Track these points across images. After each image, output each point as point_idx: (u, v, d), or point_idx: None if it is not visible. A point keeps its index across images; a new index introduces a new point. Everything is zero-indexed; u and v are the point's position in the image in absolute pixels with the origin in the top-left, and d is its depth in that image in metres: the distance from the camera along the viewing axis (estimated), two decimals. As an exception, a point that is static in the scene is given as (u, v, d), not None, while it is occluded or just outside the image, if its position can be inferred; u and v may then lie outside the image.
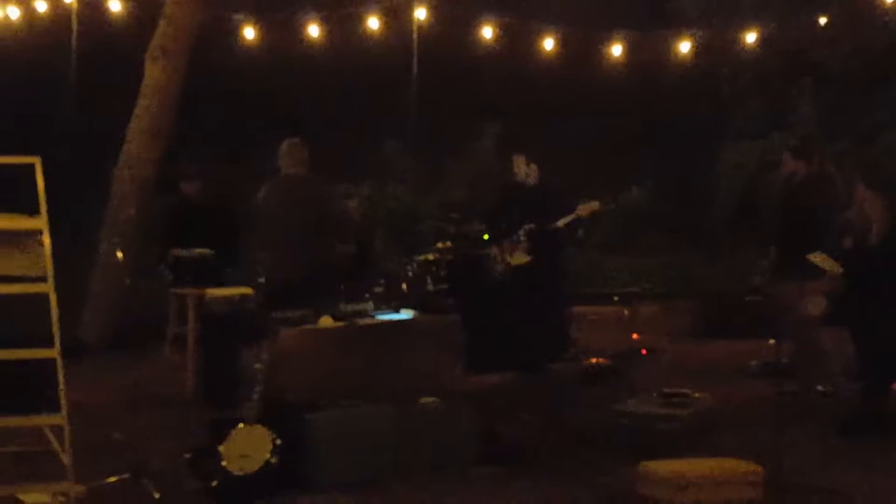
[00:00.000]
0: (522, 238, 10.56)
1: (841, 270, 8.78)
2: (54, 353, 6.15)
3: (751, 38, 16.70)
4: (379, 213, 16.95)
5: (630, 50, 16.47)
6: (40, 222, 6.19)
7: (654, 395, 8.60)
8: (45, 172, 6.23)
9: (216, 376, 9.17)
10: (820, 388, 9.64)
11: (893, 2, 16.60)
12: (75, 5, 16.55)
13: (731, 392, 9.89)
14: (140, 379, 10.38)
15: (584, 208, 10.51)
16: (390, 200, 18.46)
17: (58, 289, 6.20)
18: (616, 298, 13.48)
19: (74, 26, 16.90)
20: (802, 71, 18.12)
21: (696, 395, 8.62)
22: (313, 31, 16.28)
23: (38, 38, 16.57)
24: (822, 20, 16.29)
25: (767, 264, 10.19)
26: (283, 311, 8.07)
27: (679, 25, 17.11)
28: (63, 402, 6.15)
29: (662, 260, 17.98)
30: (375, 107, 19.62)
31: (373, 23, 15.98)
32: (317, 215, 9.13)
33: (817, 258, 8.81)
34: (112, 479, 7.04)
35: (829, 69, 17.95)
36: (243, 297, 8.76)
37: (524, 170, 10.77)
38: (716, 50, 17.59)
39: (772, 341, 10.24)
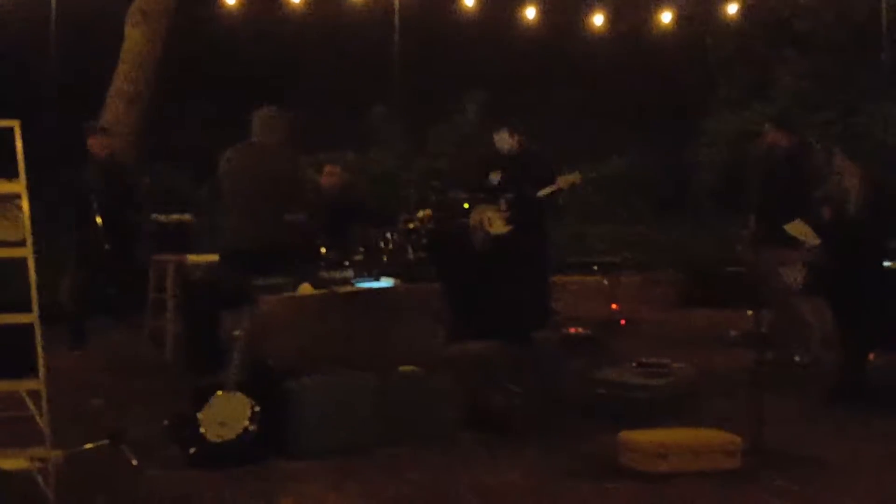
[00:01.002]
0: (503, 207, 10.54)
1: (818, 240, 8.80)
2: (32, 317, 6.12)
3: (733, 8, 16.67)
4: (360, 179, 16.92)
5: (612, 19, 16.44)
6: (19, 186, 6.15)
7: (633, 364, 8.61)
8: (29, 137, 6.19)
9: (196, 343, 9.16)
10: (797, 358, 9.69)
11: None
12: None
13: (710, 362, 9.93)
14: (120, 345, 10.36)
15: (565, 180, 10.49)
16: (373, 166, 18.41)
17: (40, 254, 6.16)
18: (596, 268, 13.50)
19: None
20: (785, 41, 18.12)
21: (675, 364, 8.64)
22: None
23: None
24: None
25: (747, 234, 10.23)
26: (256, 279, 8.04)
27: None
28: (41, 367, 6.12)
29: (644, 229, 18.02)
30: (358, 73, 19.57)
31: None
32: (276, 185, 8.99)
33: (794, 228, 8.84)
34: (90, 445, 7.02)
35: (811, 39, 17.95)
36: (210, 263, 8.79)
37: (507, 140, 10.74)
38: (698, 19, 17.58)
39: (749, 312, 10.28)
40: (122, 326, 11.11)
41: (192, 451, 6.87)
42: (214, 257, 9.08)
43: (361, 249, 9.31)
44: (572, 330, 11.05)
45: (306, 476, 6.70)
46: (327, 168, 11.25)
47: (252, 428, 6.93)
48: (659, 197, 19.42)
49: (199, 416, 6.89)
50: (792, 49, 18.13)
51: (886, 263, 8.76)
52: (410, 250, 9.79)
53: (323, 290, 8.49)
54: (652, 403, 7.95)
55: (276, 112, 9.02)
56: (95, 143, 10.68)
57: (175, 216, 10.42)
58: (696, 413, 7.93)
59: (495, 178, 10.66)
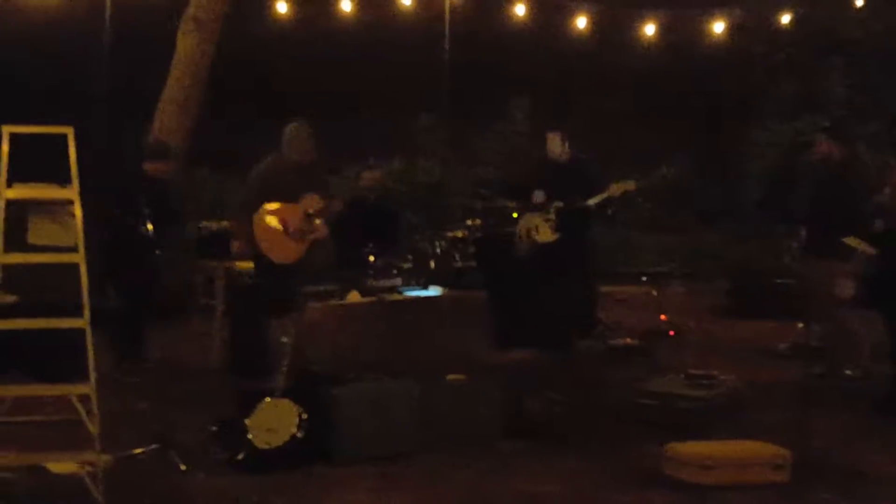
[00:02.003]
0: (551, 216, 10.52)
1: (873, 252, 8.74)
2: (83, 322, 6.17)
3: (784, 19, 16.58)
4: (408, 188, 16.95)
5: (663, 29, 16.38)
6: (71, 192, 6.21)
7: (681, 375, 8.57)
8: (80, 141, 6.25)
9: (243, 348, 9.21)
10: (848, 371, 9.61)
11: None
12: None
13: (758, 374, 9.86)
14: (168, 349, 10.43)
15: (617, 187, 10.45)
16: (420, 174, 18.42)
17: (89, 259, 6.22)
18: (644, 279, 13.45)
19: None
20: (834, 51, 18.01)
21: (723, 376, 8.59)
22: (345, 5, 16.27)
23: (73, 6, 16.59)
24: (858, 2, 16.14)
25: (797, 246, 10.16)
26: (303, 286, 8.10)
27: (712, 5, 17.00)
28: (92, 371, 6.17)
29: (692, 239, 17.93)
30: (407, 81, 19.59)
31: (405, -1, 15.97)
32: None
33: (853, 241, 8.78)
34: (139, 450, 7.08)
35: (861, 49, 17.83)
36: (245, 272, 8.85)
37: (558, 147, 10.72)
38: (749, 30, 17.49)
39: (799, 325, 10.22)
40: (170, 331, 11.18)
41: (239, 456, 6.91)
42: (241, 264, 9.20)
43: (409, 257, 9.33)
44: (620, 340, 11.01)
45: (350, 482, 6.72)
46: (366, 175, 11.20)
47: (300, 435, 6.96)
48: (707, 207, 19.32)
49: (247, 422, 6.93)
50: (841, 59, 18.01)
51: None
52: (458, 258, 9.80)
53: (370, 298, 8.51)
54: (699, 415, 7.91)
55: (302, 126, 9.08)
56: (155, 168, 10.23)
57: (223, 222, 10.46)
58: (743, 425, 7.88)
59: (539, 197, 10.63)
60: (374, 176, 11.05)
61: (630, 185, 10.51)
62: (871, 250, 8.76)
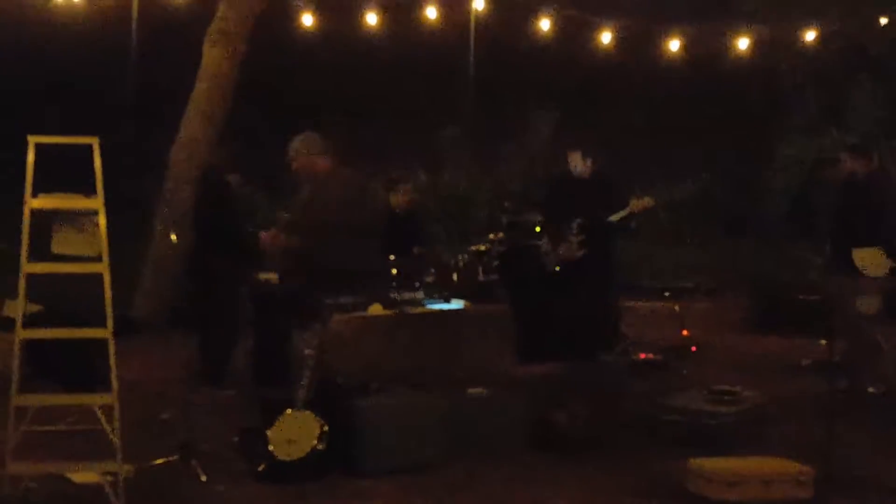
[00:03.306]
0: (575, 231, 10.51)
1: (885, 271, 8.69)
2: (107, 332, 6.20)
3: (810, 35, 16.53)
4: (433, 200, 16.95)
5: (688, 44, 16.36)
6: (97, 203, 6.24)
7: (704, 391, 8.54)
8: (105, 152, 6.28)
9: (267, 358, 9.21)
10: (871, 388, 9.56)
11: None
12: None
13: (782, 389, 9.82)
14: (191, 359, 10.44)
15: (637, 204, 10.43)
16: (445, 187, 18.44)
17: (112, 268, 6.24)
18: (667, 294, 13.42)
19: (135, 6, 17.00)
20: (861, 67, 17.94)
21: (746, 392, 8.56)
22: (371, 18, 16.30)
23: (100, 17, 16.68)
24: (883, 20, 16.06)
25: (822, 261, 10.12)
26: (327, 297, 8.09)
27: (738, 20, 16.97)
28: (114, 382, 6.19)
29: (716, 253, 17.88)
30: (432, 94, 19.63)
31: (431, 12, 15.95)
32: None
33: (861, 257, 8.73)
34: (160, 460, 7.09)
35: (888, 65, 17.75)
36: (268, 281, 8.85)
37: (580, 164, 10.71)
38: (774, 45, 17.44)
39: (823, 341, 10.18)
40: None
41: (260, 467, 6.92)
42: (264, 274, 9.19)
43: (432, 270, 9.33)
44: (642, 355, 10.98)
45: (372, 493, 6.72)
46: (402, 188, 11.21)
47: (320, 447, 6.96)
48: (731, 222, 19.28)
49: (269, 433, 6.93)
50: (868, 75, 17.95)
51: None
52: (481, 272, 9.80)
53: (393, 311, 8.52)
54: (722, 430, 7.88)
55: (313, 137, 8.93)
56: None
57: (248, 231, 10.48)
58: (767, 441, 7.85)
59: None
60: (406, 195, 11.04)
61: (650, 202, 10.49)
62: (878, 270, 8.71)
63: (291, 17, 16.25)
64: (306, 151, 8.65)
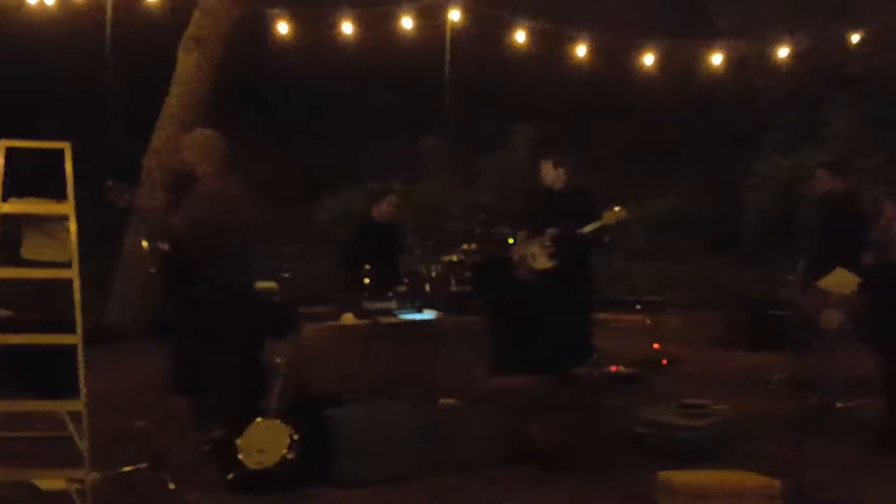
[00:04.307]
0: (547, 243, 10.52)
1: (855, 287, 8.74)
2: (76, 339, 6.16)
3: (784, 52, 16.60)
4: (407, 211, 16.93)
5: (663, 59, 16.39)
6: (67, 208, 6.21)
7: (675, 404, 8.56)
8: (78, 158, 6.25)
9: (240, 367, 9.15)
10: (840, 404, 9.60)
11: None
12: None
13: (752, 404, 9.84)
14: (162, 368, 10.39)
15: (610, 215, 10.45)
16: (421, 197, 18.44)
17: (83, 275, 6.21)
18: (639, 307, 13.45)
19: (109, 12, 16.92)
20: (837, 85, 18.04)
21: (717, 406, 8.58)
22: (347, 28, 16.26)
23: (73, 23, 16.61)
24: (855, 36, 16.15)
25: (795, 278, 10.16)
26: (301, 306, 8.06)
27: (713, 37, 17.02)
28: (83, 388, 6.16)
29: (691, 268, 17.94)
30: (409, 105, 19.63)
31: (406, 22, 15.93)
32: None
33: (829, 282, 8.80)
34: (128, 468, 7.05)
35: (864, 83, 17.85)
36: (267, 290, 8.75)
37: (552, 174, 10.72)
38: (749, 62, 17.51)
39: (792, 356, 10.23)
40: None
41: (230, 476, 6.89)
42: (260, 283, 9.09)
43: (405, 280, 9.31)
44: (614, 368, 10.99)
45: (344, 504, 6.71)
46: (387, 200, 11.15)
47: (290, 456, 6.93)
48: (707, 237, 19.35)
49: (239, 441, 6.91)
50: (844, 93, 18.05)
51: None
52: (454, 283, 9.78)
53: (366, 321, 8.49)
54: (693, 444, 7.90)
55: (210, 137, 8.14)
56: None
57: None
58: (736, 455, 7.85)
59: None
60: (390, 206, 11.00)
61: (622, 214, 10.50)
62: (845, 289, 8.77)
63: (266, 25, 16.20)
64: (196, 152, 8.16)
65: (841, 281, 8.79)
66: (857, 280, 8.72)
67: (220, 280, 7.72)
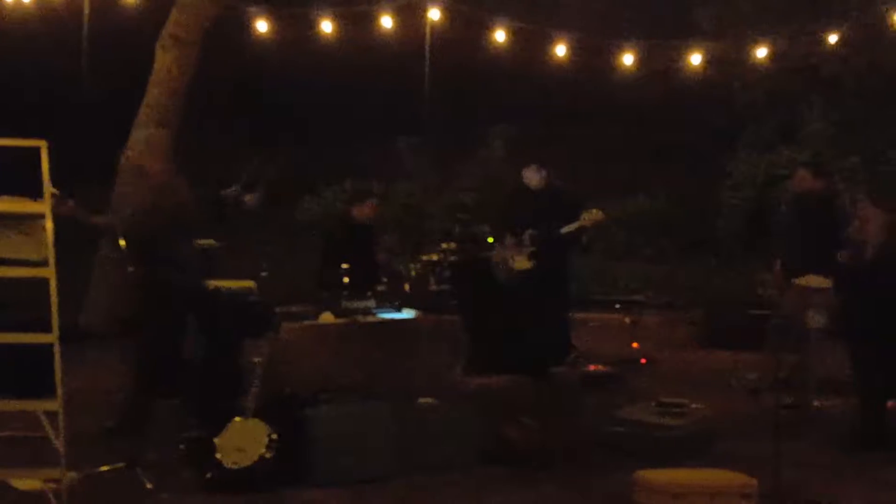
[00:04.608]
0: (526, 243, 10.53)
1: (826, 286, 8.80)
2: (52, 338, 6.14)
3: (762, 52, 16.63)
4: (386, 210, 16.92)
5: (642, 59, 16.41)
6: (43, 206, 6.18)
7: (652, 403, 8.57)
8: (55, 156, 6.23)
9: (216, 366, 9.13)
10: (816, 403, 9.63)
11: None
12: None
13: (729, 403, 9.87)
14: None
15: (588, 217, 10.48)
16: (399, 197, 18.43)
17: (60, 274, 6.19)
18: (618, 306, 13.47)
19: (86, 10, 16.85)
20: (814, 86, 18.10)
21: (694, 405, 8.59)
22: (326, 26, 16.22)
23: (50, 21, 16.54)
24: (833, 37, 16.19)
25: (771, 277, 10.19)
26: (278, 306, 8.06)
27: (692, 37, 17.05)
28: (59, 388, 6.13)
29: (669, 268, 17.97)
30: (388, 104, 19.62)
31: (386, 21, 15.90)
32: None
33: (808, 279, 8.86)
34: (105, 467, 7.03)
35: (840, 85, 17.92)
36: (246, 289, 8.74)
37: (535, 177, 10.75)
38: (728, 63, 17.54)
39: (769, 355, 10.24)
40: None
41: (207, 476, 6.87)
42: (238, 283, 9.06)
43: (384, 280, 9.31)
44: (592, 367, 11.00)
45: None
46: (369, 202, 11.09)
47: (268, 455, 6.92)
48: (685, 237, 19.38)
49: (216, 441, 6.89)
50: (820, 94, 18.11)
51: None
52: (433, 282, 9.79)
53: (344, 320, 8.49)
54: (670, 443, 7.91)
55: (157, 137, 8.42)
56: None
57: (201, 241, 10.40)
58: (714, 454, 7.88)
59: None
60: (371, 209, 10.97)
61: (599, 216, 10.52)
62: (823, 285, 8.82)
63: (245, 23, 16.15)
64: (143, 149, 8.30)
65: (818, 280, 8.85)
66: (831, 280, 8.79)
67: (160, 272, 7.85)
